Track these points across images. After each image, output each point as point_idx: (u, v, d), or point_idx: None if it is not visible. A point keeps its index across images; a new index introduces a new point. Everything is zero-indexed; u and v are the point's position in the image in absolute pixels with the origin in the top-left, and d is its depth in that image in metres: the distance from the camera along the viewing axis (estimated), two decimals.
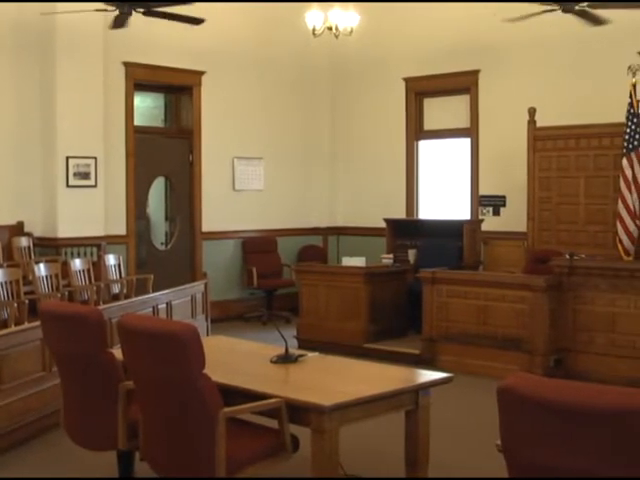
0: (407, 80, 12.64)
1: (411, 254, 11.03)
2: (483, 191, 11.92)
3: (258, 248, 12.51)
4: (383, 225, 11.53)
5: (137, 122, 11.51)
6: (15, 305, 8.26)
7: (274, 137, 12.88)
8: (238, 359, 5.50)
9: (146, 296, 8.78)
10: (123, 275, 10.49)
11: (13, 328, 7.08)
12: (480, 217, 11.65)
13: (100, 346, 4.68)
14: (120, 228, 11.18)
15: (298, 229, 13.24)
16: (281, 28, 12.52)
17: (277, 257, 12.72)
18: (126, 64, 11.16)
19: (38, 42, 10.42)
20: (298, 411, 4.23)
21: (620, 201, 9.50)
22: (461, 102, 12.25)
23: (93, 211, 10.68)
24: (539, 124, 10.33)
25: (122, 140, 11.21)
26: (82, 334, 4.66)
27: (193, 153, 12.06)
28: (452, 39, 11.90)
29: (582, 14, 8.92)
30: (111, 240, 10.84)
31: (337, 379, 4.83)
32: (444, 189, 12.67)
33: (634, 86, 9.47)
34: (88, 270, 9.86)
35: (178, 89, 12.16)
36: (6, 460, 5.74)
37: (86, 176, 10.61)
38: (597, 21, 9.07)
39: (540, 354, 8.24)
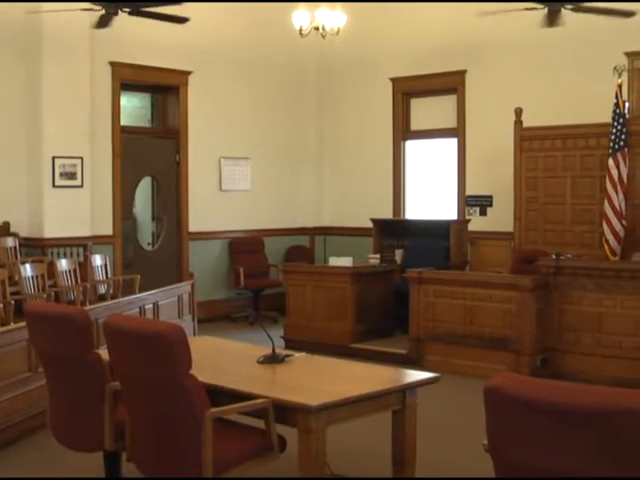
0: (394, 80, 12.65)
1: (398, 254, 11.04)
2: (470, 191, 11.94)
3: (245, 248, 12.50)
4: (370, 225, 11.54)
5: (124, 122, 11.48)
6: (1, 306, 8.24)
7: (261, 137, 12.87)
8: (225, 359, 5.49)
9: (133, 296, 8.76)
10: (110, 275, 10.46)
11: None
12: (467, 217, 11.67)
13: (86, 347, 4.66)
14: (107, 228, 11.16)
15: (285, 229, 13.23)
16: (268, 28, 12.50)
17: (264, 257, 12.71)
18: (113, 64, 11.13)
19: (24, 42, 10.38)
20: (285, 411, 4.23)
21: (606, 201, 9.53)
22: (448, 102, 12.26)
23: (79, 211, 10.65)
24: (526, 124, 10.35)
25: (109, 140, 11.19)
26: (68, 335, 4.64)
27: (180, 153, 12.04)
28: (439, 39, 11.92)
29: (550, 16, 8.94)
30: (97, 240, 10.81)
31: (324, 379, 4.83)
32: (431, 189, 12.68)
33: (620, 86, 9.51)
34: (74, 270, 9.83)
35: (165, 89, 12.15)
36: None
37: (72, 176, 10.58)
38: (555, 23, 9.07)
39: (527, 354, 8.26)
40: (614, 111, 9.49)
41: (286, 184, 13.28)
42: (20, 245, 10.28)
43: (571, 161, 10.14)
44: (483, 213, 11.78)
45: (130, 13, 9.21)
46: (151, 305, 8.60)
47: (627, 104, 9.68)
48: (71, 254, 10.39)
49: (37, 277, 9.17)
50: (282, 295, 10.66)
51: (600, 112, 9.78)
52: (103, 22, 9.24)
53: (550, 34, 9.97)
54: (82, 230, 10.63)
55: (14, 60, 10.40)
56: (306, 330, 9.80)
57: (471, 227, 11.09)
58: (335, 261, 10.52)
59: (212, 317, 11.57)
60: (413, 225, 11.55)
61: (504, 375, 2.82)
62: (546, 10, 8.88)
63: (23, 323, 5.68)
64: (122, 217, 11.43)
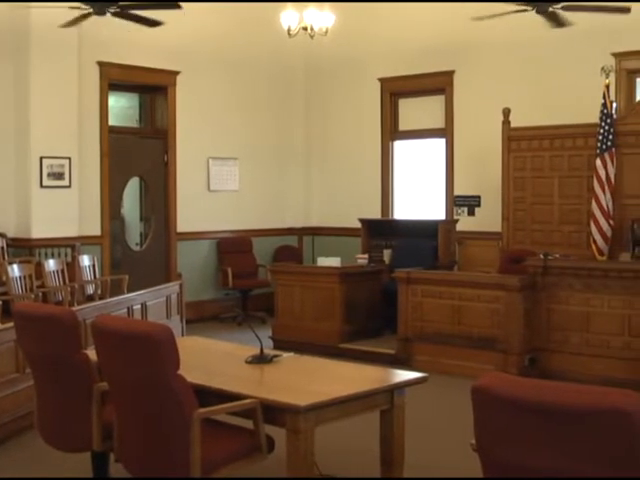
0: (382, 80, 12.66)
1: (386, 254, 11.04)
2: (458, 191, 11.95)
3: (233, 248, 12.48)
4: (358, 225, 11.53)
5: (112, 122, 11.46)
6: None
7: (249, 137, 12.86)
8: (213, 360, 5.48)
9: (121, 297, 8.74)
10: (97, 276, 10.44)
11: None
12: (455, 217, 11.69)
13: (74, 347, 4.65)
14: (94, 229, 11.13)
15: (273, 229, 13.23)
16: (257, 28, 12.49)
17: (252, 257, 12.70)
18: (100, 64, 11.11)
19: (12, 41, 10.35)
20: (273, 411, 4.23)
21: (594, 201, 9.56)
22: (436, 102, 12.27)
23: (67, 212, 10.62)
24: (513, 124, 10.36)
25: (96, 140, 11.16)
26: (56, 335, 4.63)
27: (168, 153, 12.02)
28: (427, 40, 11.92)
29: (551, 16, 8.94)
30: (85, 241, 10.78)
31: (312, 379, 4.83)
32: (419, 189, 12.70)
33: (607, 87, 9.54)
34: (62, 271, 9.81)
35: (153, 89, 12.12)
36: None
37: (60, 176, 10.55)
38: (562, 23, 9.08)
39: (515, 353, 8.27)
40: (602, 111, 9.51)
41: (274, 184, 13.28)
42: (8, 245, 10.26)
43: (559, 161, 10.16)
44: (471, 213, 11.79)
45: (113, 14, 9.16)
46: (139, 305, 8.59)
47: (614, 104, 9.71)
48: (59, 254, 10.37)
49: (25, 277, 9.14)
50: (270, 295, 10.66)
51: (588, 112, 9.80)
52: (73, 21, 9.19)
53: (538, 35, 9.99)
54: (70, 230, 10.61)
55: (1, 60, 10.35)
56: (294, 330, 9.80)
57: (459, 227, 11.11)
58: (323, 261, 10.52)
59: (200, 317, 11.56)
60: (401, 225, 11.55)
61: (492, 375, 2.83)
62: (534, 11, 8.89)
63: (10, 324, 5.66)
64: (110, 217, 11.41)
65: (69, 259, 10.33)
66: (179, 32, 11.30)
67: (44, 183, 10.43)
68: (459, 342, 8.65)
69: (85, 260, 10.31)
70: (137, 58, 11.41)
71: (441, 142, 12.24)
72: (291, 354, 5.37)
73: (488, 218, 11.18)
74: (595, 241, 9.55)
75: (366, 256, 10.90)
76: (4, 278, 9.02)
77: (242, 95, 12.76)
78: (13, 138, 10.47)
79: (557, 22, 9.05)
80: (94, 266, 10.40)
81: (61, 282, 9.70)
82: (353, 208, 12.58)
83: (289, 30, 10.35)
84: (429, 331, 8.89)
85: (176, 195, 12.05)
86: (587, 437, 2.52)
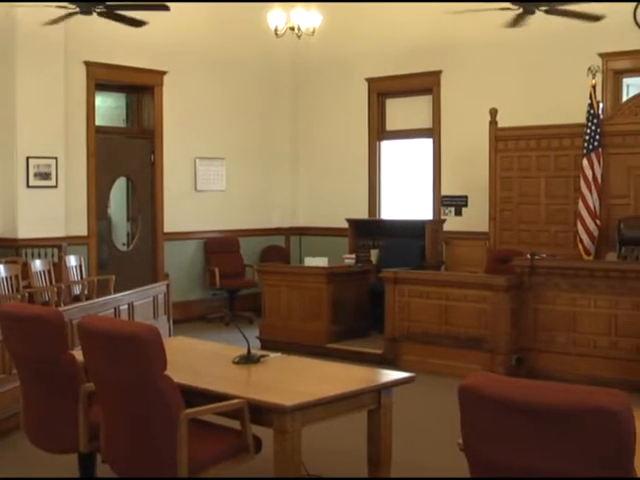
0: (369, 80, 12.67)
1: (373, 254, 11.05)
2: (445, 191, 11.97)
3: (220, 248, 12.47)
4: (345, 225, 11.54)
5: (98, 122, 11.43)
6: None
7: (236, 137, 12.85)
8: (200, 360, 5.47)
9: (107, 297, 8.71)
10: (84, 276, 10.42)
11: None
12: (442, 217, 11.70)
13: (61, 348, 4.63)
14: (81, 229, 11.09)
15: (260, 229, 13.22)
16: (243, 28, 12.49)
17: (239, 257, 12.69)
18: (87, 63, 11.07)
19: None
20: (260, 412, 4.22)
21: (580, 201, 9.60)
22: (423, 102, 12.29)
23: (54, 212, 10.58)
24: (500, 125, 10.39)
25: (83, 140, 11.13)
26: (42, 336, 4.62)
27: (155, 153, 12.00)
28: (414, 40, 11.94)
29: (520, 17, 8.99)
30: (72, 241, 10.75)
31: (299, 379, 4.82)
32: (406, 189, 12.71)
33: (594, 87, 9.57)
34: (49, 271, 9.79)
35: (140, 89, 12.10)
36: None
37: (47, 176, 10.52)
38: (519, 23, 9.12)
39: (502, 353, 8.29)
40: (588, 112, 9.54)
41: (261, 184, 13.27)
42: None
43: (545, 161, 10.19)
44: (458, 213, 11.81)
45: (99, 14, 9.14)
46: (126, 306, 8.56)
47: (601, 105, 9.74)
48: (45, 255, 10.33)
49: (11, 278, 9.12)
50: (258, 295, 10.64)
51: (574, 113, 9.83)
52: (58, 19, 9.17)
53: (525, 35, 10.01)
54: (56, 231, 10.57)
55: None
56: (282, 330, 9.79)
57: (446, 227, 11.12)
58: (310, 261, 10.51)
59: (187, 318, 11.54)
60: (388, 225, 11.56)
61: (479, 374, 2.83)
62: (521, 10, 8.91)
63: None
64: (97, 217, 11.37)
65: (56, 259, 10.29)
66: (166, 32, 11.29)
67: (30, 183, 10.39)
68: (446, 342, 8.66)
69: (72, 260, 10.28)
70: (124, 58, 11.37)
71: (428, 142, 12.25)
72: (278, 354, 5.37)
73: (475, 218, 11.20)
74: (582, 241, 9.58)
75: (353, 256, 10.89)
76: None
77: (229, 95, 12.74)
78: None
79: (517, 22, 9.09)
80: (81, 266, 10.38)
81: (47, 282, 9.68)
82: (340, 208, 12.58)
83: (276, 30, 10.36)
84: (416, 331, 8.90)
85: (163, 195, 12.03)
86: (574, 436, 2.52)
